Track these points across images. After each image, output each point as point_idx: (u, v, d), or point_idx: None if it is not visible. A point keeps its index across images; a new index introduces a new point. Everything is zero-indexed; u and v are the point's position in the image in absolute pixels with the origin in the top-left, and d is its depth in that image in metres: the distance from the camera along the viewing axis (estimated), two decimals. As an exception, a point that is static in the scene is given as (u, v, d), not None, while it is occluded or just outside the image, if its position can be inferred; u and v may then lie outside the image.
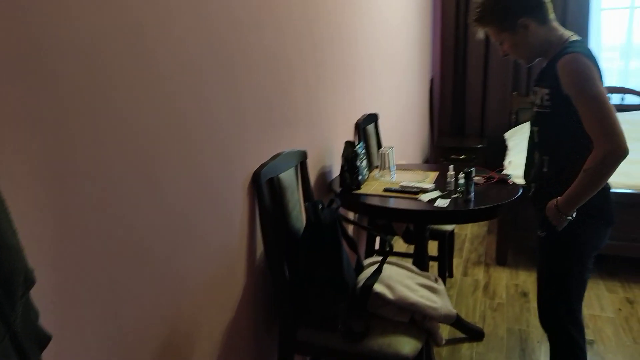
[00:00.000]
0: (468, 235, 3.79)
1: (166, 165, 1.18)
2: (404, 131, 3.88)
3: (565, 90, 1.49)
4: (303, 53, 1.96)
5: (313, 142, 2.12)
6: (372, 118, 2.87)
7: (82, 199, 0.94)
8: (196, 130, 1.29)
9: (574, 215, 1.53)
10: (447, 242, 2.78)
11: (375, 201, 2.06)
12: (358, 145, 2.19)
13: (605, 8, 4.48)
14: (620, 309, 2.68)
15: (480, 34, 1.77)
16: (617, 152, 1.41)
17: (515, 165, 3.43)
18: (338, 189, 2.19)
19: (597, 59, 1.52)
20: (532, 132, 1.72)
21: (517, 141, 4.23)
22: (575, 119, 1.50)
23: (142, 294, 1.12)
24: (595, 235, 1.61)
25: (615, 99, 4.51)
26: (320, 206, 1.68)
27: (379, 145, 2.91)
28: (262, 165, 1.63)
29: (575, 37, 1.60)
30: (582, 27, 4.41)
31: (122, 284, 1.05)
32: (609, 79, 4.58)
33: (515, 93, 4.76)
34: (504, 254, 3.26)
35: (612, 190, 1.62)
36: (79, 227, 0.93)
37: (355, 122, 2.65)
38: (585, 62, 1.46)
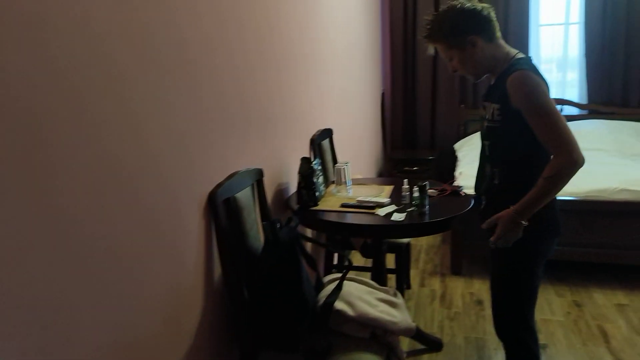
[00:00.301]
0: (423, 246, 3.86)
1: (115, 190, 1.13)
2: (357, 145, 3.93)
3: (515, 106, 1.55)
4: (256, 71, 1.95)
5: (269, 160, 2.10)
6: (327, 133, 2.88)
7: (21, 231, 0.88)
8: (147, 154, 1.25)
9: (526, 223, 1.58)
10: (403, 254, 2.82)
11: (333, 217, 2.06)
12: (314, 162, 2.19)
13: (543, 24, 4.73)
14: (569, 312, 2.79)
15: (431, 49, 1.81)
16: (577, 161, 1.47)
17: (465, 176, 3.53)
18: (295, 206, 2.18)
19: (542, 74, 1.59)
20: (483, 146, 1.77)
21: (466, 152, 4.36)
22: (525, 133, 1.55)
23: (91, 329, 1.06)
24: (545, 245, 1.67)
25: (555, 110, 4.74)
26: (278, 225, 1.66)
27: (335, 161, 2.93)
28: (218, 186, 1.60)
29: (520, 55, 1.66)
30: (522, 42, 4.63)
31: (69, 320, 0.99)
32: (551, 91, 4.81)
33: (462, 106, 4.92)
34: (459, 264, 3.34)
35: (557, 197, 1.69)
36: (17, 267, 0.88)
37: (310, 137, 2.65)
38: (534, 78, 1.53)
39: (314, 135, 2.68)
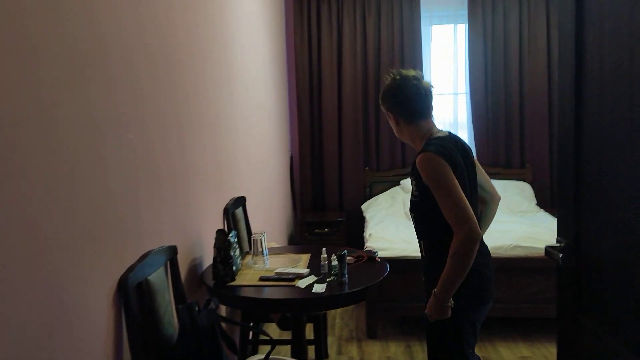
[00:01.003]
0: (338, 311, 3.82)
1: (9, 275, 0.98)
2: (269, 211, 3.89)
3: (425, 182, 1.67)
4: (169, 143, 1.87)
5: (182, 235, 1.99)
6: (240, 201, 2.82)
7: None
8: (40, 237, 1.11)
9: (452, 303, 1.64)
10: (321, 323, 2.76)
11: (252, 293, 1.97)
12: (231, 234, 2.11)
13: (436, 93, 5.16)
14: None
15: None
16: (472, 237, 1.58)
17: (375, 238, 3.62)
18: (211, 282, 2.06)
19: (451, 151, 1.70)
20: (412, 219, 1.85)
21: (373, 213, 4.50)
22: (438, 206, 1.66)
23: None
24: (472, 313, 1.74)
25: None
26: (196, 308, 1.54)
27: (248, 229, 2.85)
28: (130, 269, 1.46)
29: (440, 134, 1.78)
30: (418, 110, 4.99)
31: None
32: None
33: (367, 168, 5.12)
34: (374, 327, 3.34)
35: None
36: None
37: (223, 206, 2.57)
38: (435, 160, 1.65)
39: (227, 203, 2.60)
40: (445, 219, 1.63)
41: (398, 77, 1.81)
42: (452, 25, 5.08)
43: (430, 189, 1.66)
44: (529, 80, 4.92)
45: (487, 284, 1.77)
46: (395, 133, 1.90)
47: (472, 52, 4.90)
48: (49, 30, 1.13)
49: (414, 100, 1.77)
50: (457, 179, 1.64)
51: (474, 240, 1.57)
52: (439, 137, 1.76)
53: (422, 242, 1.80)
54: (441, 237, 1.69)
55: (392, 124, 1.87)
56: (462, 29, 5.00)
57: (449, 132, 1.83)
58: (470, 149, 1.86)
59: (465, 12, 4.88)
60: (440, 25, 5.12)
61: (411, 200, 1.80)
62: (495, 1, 4.86)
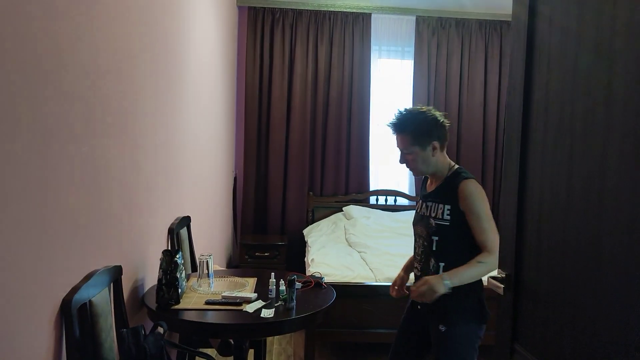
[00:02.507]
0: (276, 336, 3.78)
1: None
2: (211, 231, 3.80)
3: (461, 207, 1.83)
4: (122, 159, 1.80)
5: (127, 254, 1.90)
6: (185, 221, 2.74)
7: None
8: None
9: (449, 289, 1.76)
10: (262, 348, 2.71)
11: (199, 317, 1.91)
12: (177, 255, 2.05)
13: (380, 124, 5.32)
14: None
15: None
16: (497, 263, 1.72)
17: (317, 263, 3.63)
18: (154, 305, 1.97)
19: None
20: (430, 242, 1.92)
21: (315, 237, 4.51)
22: (468, 232, 1.82)
23: None
24: (481, 330, 1.89)
25: (389, 200, 5.25)
26: (142, 333, 1.48)
27: (191, 250, 2.78)
28: (74, 290, 1.38)
29: (457, 166, 1.95)
30: (363, 141, 5.12)
31: None
32: (386, 183, 5.34)
33: (310, 193, 5.15)
34: (312, 352, 3.32)
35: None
36: None
37: (168, 226, 2.49)
38: (480, 188, 1.86)
39: (172, 223, 2.53)
40: (476, 240, 1.81)
41: (424, 108, 1.92)
42: (399, 60, 5.29)
43: (471, 213, 1.81)
44: (466, 117, 5.20)
45: (485, 306, 1.90)
46: (419, 165, 1.91)
47: (416, 86, 5.12)
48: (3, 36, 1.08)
49: (446, 128, 1.93)
50: None
51: (496, 266, 1.71)
52: (464, 169, 1.93)
53: (442, 264, 1.87)
54: (463, 260, 1.83)
55: (422, 156, 1.89)
56: (409, 64, 5.22)
57: None
58: None
59: (412, 49, 5.12)
60: (388, 59, 5.31)
61: (436, 224, 1.88)
62: (440, 42, 5.13)
